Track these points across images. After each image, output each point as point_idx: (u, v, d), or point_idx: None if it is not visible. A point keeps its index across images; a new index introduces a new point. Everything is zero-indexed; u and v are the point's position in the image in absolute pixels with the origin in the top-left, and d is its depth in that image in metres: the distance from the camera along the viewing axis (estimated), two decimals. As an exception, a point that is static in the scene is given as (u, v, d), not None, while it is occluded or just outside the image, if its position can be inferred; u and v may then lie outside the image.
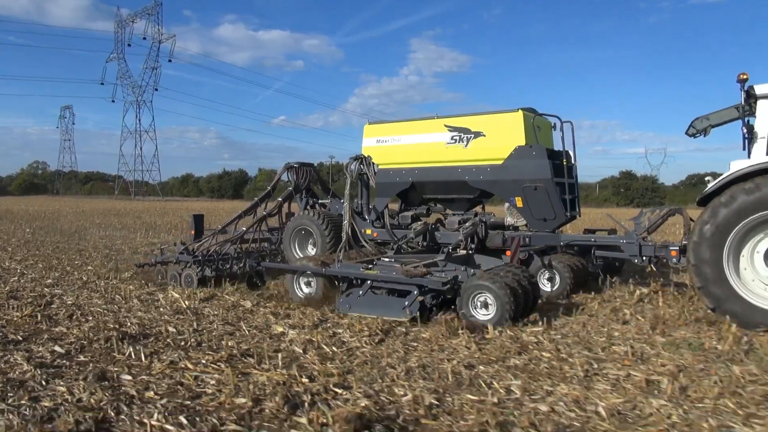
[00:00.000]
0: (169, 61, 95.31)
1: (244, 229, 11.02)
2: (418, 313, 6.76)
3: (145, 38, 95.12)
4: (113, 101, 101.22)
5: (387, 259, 8.22)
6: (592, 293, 8.69)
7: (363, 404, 4.14)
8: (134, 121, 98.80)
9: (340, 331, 6.48)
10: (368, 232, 10.43)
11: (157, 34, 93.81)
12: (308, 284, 8.31)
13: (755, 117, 7.30)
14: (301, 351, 5.64)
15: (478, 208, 10.79)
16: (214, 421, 3.86)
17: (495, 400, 4.31)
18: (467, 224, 9.61)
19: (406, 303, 6.98)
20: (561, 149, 9.52)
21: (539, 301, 7.51)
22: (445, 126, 9.83)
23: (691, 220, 8.02)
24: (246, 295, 8.75)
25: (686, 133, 8.24)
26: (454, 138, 9.71)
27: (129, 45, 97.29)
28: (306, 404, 4.14)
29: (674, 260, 8.15)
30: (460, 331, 6.22)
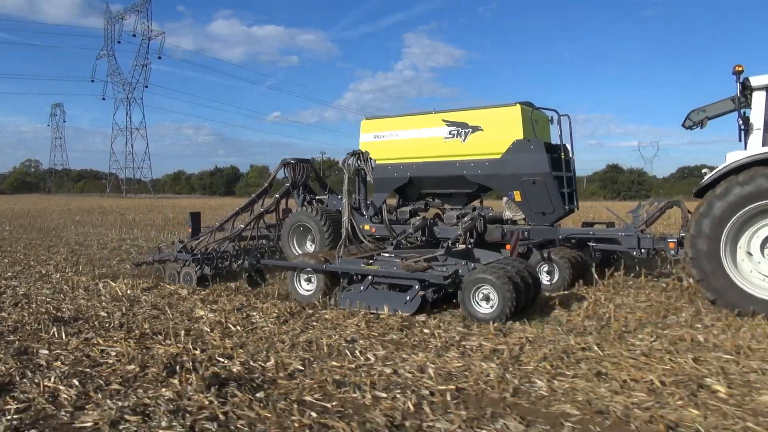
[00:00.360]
0: (159, 57, 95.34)
1: (242, 226, 11.00)
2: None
3: (134, 35, 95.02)
4: (104, 99, 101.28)
5: (387, 255, 8.23)
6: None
7: (235, 369, 4.81)
8: (125, 118, 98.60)
9: (254, 314, 7.04)
10: (367, 227, 10.44)
11: (147, 31, 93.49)
12: (309, 281, 8.32)
13: (751, 108, 7.36)
14: (208, 330, 6.27)
15: (476, 203, 10.83)
16: (101, 382, 4.56)
17: (353, 366, 4.96)
18: (466, 219, 9.63)
19: (408, 297, 7.02)
20: (558, 143, 9.56)
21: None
22: (443, 121, 9.84)
23: (689, 212, 8.08)
24: (186, 286, 9.06)
25: (683, 125, 8.29)
26: (452, 133, 9.73)
27: (119, 42, 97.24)
28: (183, 370, 4.73)
29: (672, 252, 8.22)
30: (362, 313, 6.87)
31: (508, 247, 8.62)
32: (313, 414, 3.94)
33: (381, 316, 6.73)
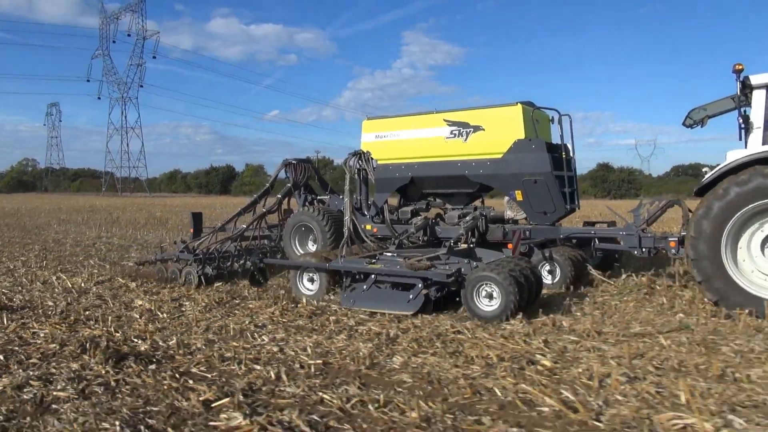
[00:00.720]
0: (154, 57, 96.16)
1: (244, 226, 11.03)
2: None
3: (129, 35, 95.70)
4: (99, 98, 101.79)
5: (389, 254, 8.26)
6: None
7: (143, 348, 5.45)
8: (120, 117, 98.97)
9: (186, 303, 7.71)
10: (368, 227, 10.47)
11: (142, 31, 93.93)
12: (311, 280, 8.34)
13: (751, 107, 7.39)
14: (137, 316, 6.87)
15: (478, 202, 10.86)
16: (23, 357, 5.16)
17: (248, 345, 5.58)
18: (468, 218, 9.67)
19: (411, 296, 7.04)
20: (559, 142, 9.60)
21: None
22: (444, 120, 9.88)
23: (690, 211, 8.11)
24: (149, 281, 9.38)
25: (684, 123, 8.33)
26: (454, 132, 9.77)
27: (114, 41, 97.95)
28: (96, 348, 5.23)
29: (673, 251, 8.24)
30: (284, 303, 7.50)
31: (509, 246, 8.65)
32: (190, 381, 4.51)
33: (299, 305, 7.46)
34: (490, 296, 6.67)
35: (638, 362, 4.92)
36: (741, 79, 7.35)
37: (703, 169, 7.72)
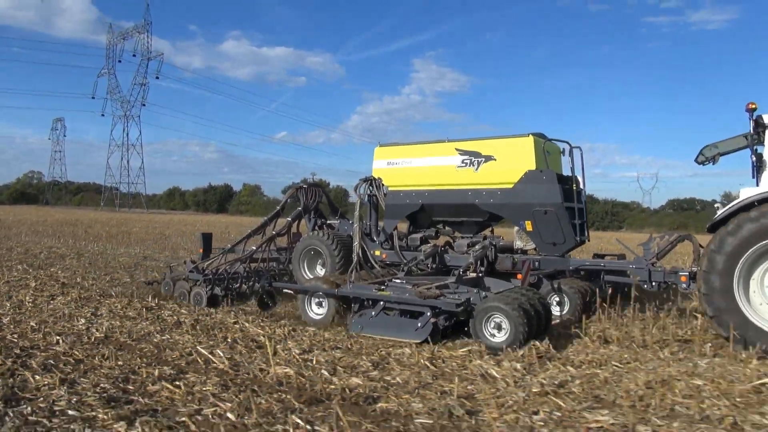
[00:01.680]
0: (157, 78, 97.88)
1: (254, 248, 11.08)
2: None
3: (134, 55, 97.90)
4: (102, 115, 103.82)
5: (398, 281, 8.26)
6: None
7: (21, 344, 6.23)
8: (122, 134, 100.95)
9: (103, 311, 8.32)
10: (377, 253, 10.49)
11: (146, 51, 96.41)
12: (320, 305, 8.34)
13: (764, 146, 7.42)
14: (51, 321, 7.50)
15: (487, 231, 10.87)
16: None
17: (69, 325, 7.18)
18: (477, 247, 9.67)
19: (419, 324, 7.01)
20: (570, 174, 9.64)
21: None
22: (456, 149, 9.95)
23: (701, 246, 8.09)
24: (91, 292, 10.01)
25: (696, 160, 8.36)
26: (465, 161, 9.83)
27: (119, 61, 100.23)
28: None
29: (684, 286, 8.21)
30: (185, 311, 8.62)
31: (519, 276, 8.64)
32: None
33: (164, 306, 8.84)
34: (499, 327, 6.65)
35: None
36: (754, 117, 7.40)
37: (715, 206, 7.72)
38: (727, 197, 7.39)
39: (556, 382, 5.24)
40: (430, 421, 4.34)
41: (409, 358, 6.12)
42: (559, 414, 4.49)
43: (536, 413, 4.49)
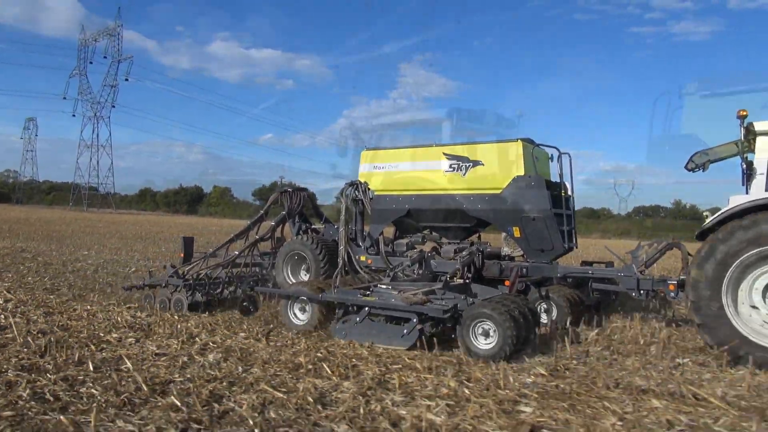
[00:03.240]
0: (126, 80, 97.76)
1: (236, 252, 10.82)
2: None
3: (105, 57, 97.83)
4: (74, 115, 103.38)
5: (384, 287, 8.08)
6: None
7: None
8: (92, 135, 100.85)
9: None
10: (363, 258, 10.29)
11: (117, 54, 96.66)
12: (303, 310, 8.13)
13: (754, 153, 7.37)
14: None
15: (474, 237, 10.73)
16: None
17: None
18: (464, 253, 9.52)
19: (405, 331, 6.84)
20: (558, 180, 9.54)
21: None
22: (444, 154, 9.80)
23: (689, 254, 8.01)
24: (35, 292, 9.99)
25: (685, 167, 8.28)
26: (453, 166, 9.68)
27: (91, 62, 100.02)
28: None
29: (672, 294, 8.12)
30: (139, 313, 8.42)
31: (506, 283, 8.50)
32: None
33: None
34: (486, 334, 6.49)
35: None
36: (745, 124, 7.35)
37: (704, 213, 7.64)
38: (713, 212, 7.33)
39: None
40: None
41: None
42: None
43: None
